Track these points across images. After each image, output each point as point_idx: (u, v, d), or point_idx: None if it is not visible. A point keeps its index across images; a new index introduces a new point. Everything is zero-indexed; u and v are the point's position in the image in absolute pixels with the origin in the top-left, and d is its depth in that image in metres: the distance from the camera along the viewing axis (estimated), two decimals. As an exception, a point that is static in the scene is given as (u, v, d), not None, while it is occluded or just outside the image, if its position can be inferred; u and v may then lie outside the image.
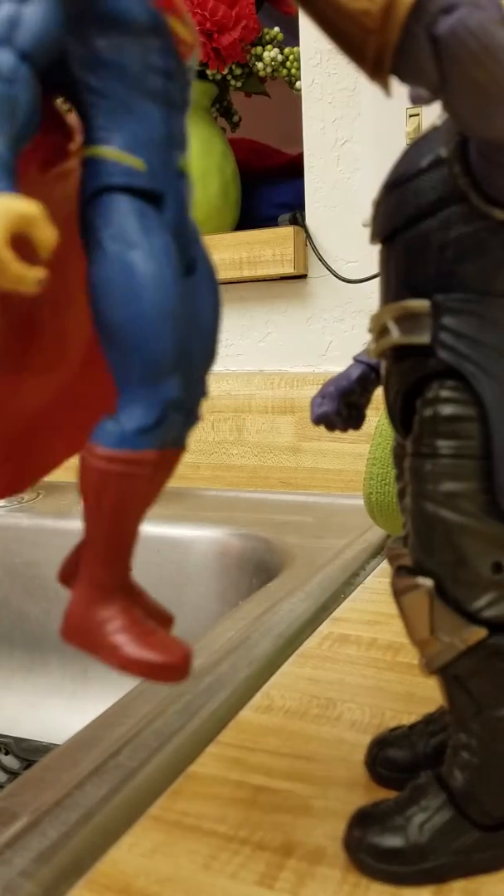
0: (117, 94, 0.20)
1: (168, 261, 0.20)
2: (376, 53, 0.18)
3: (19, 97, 0.18)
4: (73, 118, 0.22)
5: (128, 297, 0.20)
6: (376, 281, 0.25)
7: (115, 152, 0.20)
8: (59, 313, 0.25)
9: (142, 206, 0.20)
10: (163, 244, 0.20)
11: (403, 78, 0.19)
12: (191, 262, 0.22)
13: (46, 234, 0.18)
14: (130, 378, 0.21)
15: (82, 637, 0.22)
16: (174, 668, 0.22)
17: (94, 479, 0.21)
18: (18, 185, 0.18)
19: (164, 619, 0.25)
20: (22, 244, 0.17)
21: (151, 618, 0.24)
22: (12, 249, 0.17)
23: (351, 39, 0.18)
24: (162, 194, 0.21)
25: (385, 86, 0.19)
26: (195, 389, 0.23)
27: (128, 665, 0.22)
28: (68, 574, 0.25)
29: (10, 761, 0.66)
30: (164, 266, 0.20)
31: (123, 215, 0.20)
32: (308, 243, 0.82)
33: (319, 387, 0.30)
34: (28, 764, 0.66)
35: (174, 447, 0.22)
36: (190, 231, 0.22)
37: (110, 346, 0.21)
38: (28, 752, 0.67)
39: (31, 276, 0.17)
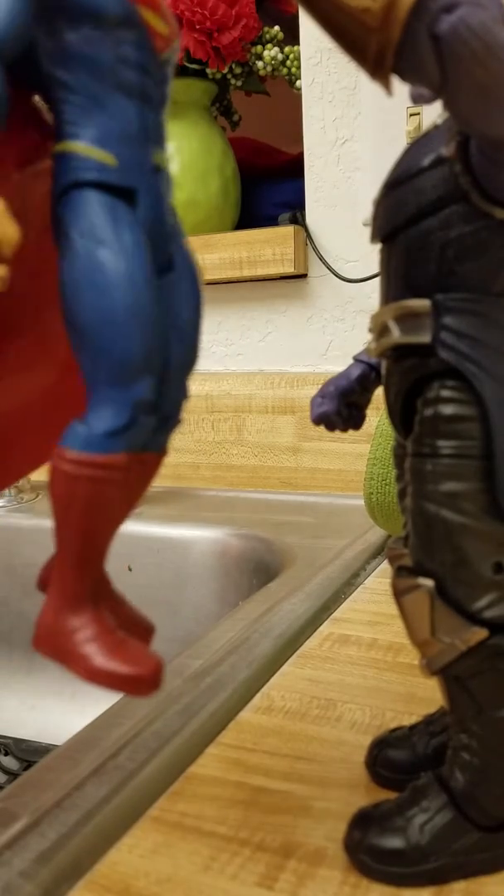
0: (88, 88, 0.19)
1: (139, 258, 0.20)
2: (377, 52, 0.17)
3: None
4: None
5: (96, 295, 0.19)
6: (377, 280, 0.25)
7: (84, 147, 0.20)
8: (41, 313, 0.24)
9: (112, 201, 0.20)
10: (133, 240, 0.20)
11: (404, 76, 0.19)
12: (169, 260, 0.22)
13: (8, 231, 0.17)
14: (99, 379, 0.20)
15: (52, 646, 0.22)
16: (143, 681, 0.21)
17: (63, 483, 0.20)
18: None
19: (144, 629, 0.24)
20: None
21: (131, 627, 0.23)
22: None
23: (352, 38, 0.18)
24: (134, 190, 0.20)
25: (386, 84, 0.19)
26: (173, 391, 0.23)
27: (95, 676, 0.21)
28: (46, 581, 0.24)
29: (10, 762, 0.66)
30: (135, 263, 0.20)
31: (92, 211, 0.19)
32: (308, 242, 0.82)
33: (320, 386, 0.30)
34: (28, 765, 0.65)
35: (150, 451, 0.22)
36: (167, 227, 0.22)
37: (79, 346, 0.20)
38: (27, 753, 0.67)
39: None
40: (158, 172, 0.21)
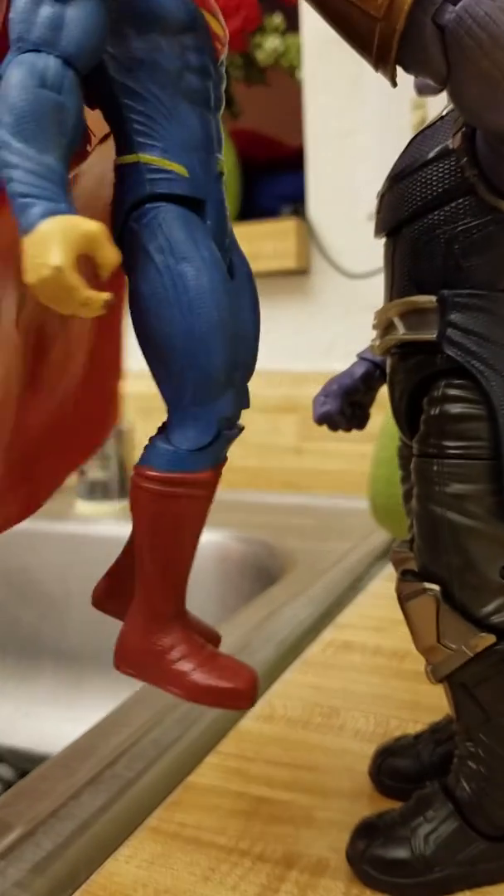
0: (156, 96, 0.19)
1: (218, 271, 0.20)
2: (381, 42, 0.17)
3: (67, 105, 0.17)
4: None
5: (180, 311, 0.19)
6: (381, 276, 0.24)
7: (156, 158, 0.19)
8: (66, 323, 0.24)
9: (186, 213, 0.19)
10: (211, 254, 0.20)
11: (408, 67, 0.19)
12: (230, 267, 0.21)
13: (111, 254, 0.17)
14: (183, 396, 0.20)
15: (142, 666, 0.22)
16: (243, 694, 0.21)
17: (149, 503, 0.21)
18: None
19: (213, 638, 0.24)
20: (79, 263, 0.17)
21: (206, 638, 0.23)
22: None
23: (355, 28, 0.18)
24: (204, 200, 0.20)
25: (390, 75, 0.19)
26: (241, 401, 0.23)
27: (196, 692, 0.21)
28: (104, 596, 0.24)
29: (4, 771, 0.66)
30: (215, 277, 0.19)
31: (170, 225, 0.19)
32: (310, 237, 0.81)
33: (322, 385, 0.30)
34: (22, 773, 0.65)
35: (221, 462, 0.22)
36: (228, 234, 0.21)
37: (160, 364, 0.20)
38: (22, 762, 0.66)
39: (98, 300, 0.17)
40: (220, 179, 0.21)
